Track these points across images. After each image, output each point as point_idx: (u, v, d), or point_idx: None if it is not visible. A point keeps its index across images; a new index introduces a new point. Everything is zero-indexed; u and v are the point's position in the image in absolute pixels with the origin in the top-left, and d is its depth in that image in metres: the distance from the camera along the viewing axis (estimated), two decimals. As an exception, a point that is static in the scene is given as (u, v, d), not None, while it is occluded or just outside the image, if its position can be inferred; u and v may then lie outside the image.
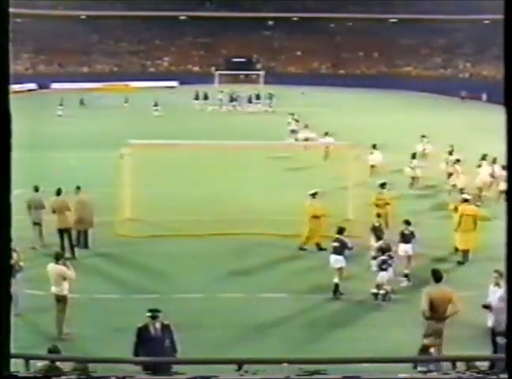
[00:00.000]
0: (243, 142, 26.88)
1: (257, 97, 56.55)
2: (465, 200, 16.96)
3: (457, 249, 16.76)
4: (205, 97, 57.15)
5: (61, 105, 49.61)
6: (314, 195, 17.54)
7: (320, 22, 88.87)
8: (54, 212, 16.93)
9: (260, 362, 5.35)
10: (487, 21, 70.88)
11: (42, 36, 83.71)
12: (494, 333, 10.64)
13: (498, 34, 3.08)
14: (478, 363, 5.91)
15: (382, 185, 18.69)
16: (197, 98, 57.07)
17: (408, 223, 15.10)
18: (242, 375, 4.81)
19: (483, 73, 72.32)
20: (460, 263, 16.29)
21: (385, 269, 13.63)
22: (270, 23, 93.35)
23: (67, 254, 15.65)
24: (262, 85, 77.18)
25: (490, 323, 10.82)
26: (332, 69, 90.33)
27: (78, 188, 17.72)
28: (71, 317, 12.20)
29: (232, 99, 56.34)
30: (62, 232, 16.78)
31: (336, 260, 14.14)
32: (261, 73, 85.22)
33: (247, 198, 22.26)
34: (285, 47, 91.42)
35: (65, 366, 6.63)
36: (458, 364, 5.90)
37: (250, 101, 55.76)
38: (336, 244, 14.21)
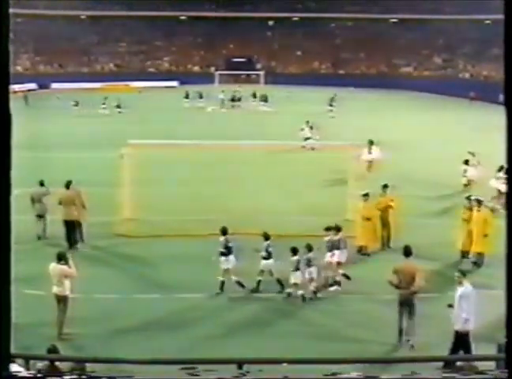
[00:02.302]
0: (243, 142, 26.88)
1: (265, 98, 56.53)
2: (480, 204, 16.53)
3: (463, 253, 16.50)
4: (200, 96, 58.03)
5: (104, 104, 49.84)
6: (365, 196, 17.32)
7: (320, 22, 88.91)
8: (60, 203, 17.37)
9: (260, 362, 5.36)
10: (487, 21, 70.91)
11: (42, 36, 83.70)
12: (457, 333, 10.75)
13: (499, 34, 3.08)
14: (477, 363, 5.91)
15: (385, 187, 18.30)
16: (187, 96, 57.97)
17: (338, 229, 14.89)
18: (243, 375, 4.81)
19: (483, 73, 72.31)
20: (476, 264, 16.06)
21: (298, 269, 13.82)
22: (270, 23, 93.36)
23: (74, 245, 17.01)
24: (262, 85, 77.27)
25: (452, 320, 10.94)
26: (332, 69, 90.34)
27: (70, 182, 18.09)
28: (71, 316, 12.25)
29: (234, 99, 56.72)
30: (67, 224, 17.26)
31: (227, 261, 14.13)
32: (261, 73, 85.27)
33: (247, 198, 22.27)
34: (285, 47, 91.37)
35: (65, 366, 6.63)
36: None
37: (265, 100, 55.82)
38: (230, 244, 14.21)
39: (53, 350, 8.34)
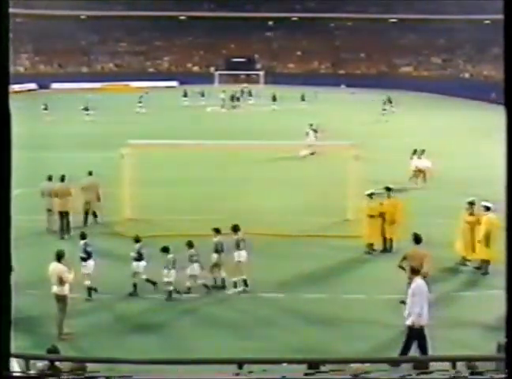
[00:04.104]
0: (244, 142, 26.86)
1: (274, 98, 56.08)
2: (488, 209, 15.72)
3: (464, 259, 16.18)
4: (202, 94, 59.04)
5: (140, 102, 49.81)
6: (370, 195, 17.47)
7: (320, 22, 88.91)
8: (56, 195, 18.27)
9: (260, 362, 5.36)
10: (487, 21, 70.92)
11: (42, 36, 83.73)
12: (411, 329, 10.91)
13: (499, 34, 3.08)
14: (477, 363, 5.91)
15: (388, 190, 17.99)
16: (185, 95, 58.81)
17: (236, 229, 14.74)
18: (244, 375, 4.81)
19: (483, 73, 72.31)
20: (483, 273, 15.64)
21: (167, 268, 13.93)
22: (270, 23, 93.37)
23: (65, 236, 17.94)
24: (262, 85, 77.23)
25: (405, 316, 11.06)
26: (332, 69, 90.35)
27: (90, 173, 19.77)
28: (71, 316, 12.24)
29: (234, 99, 57.00)
30: (62, 214, 18.16)
31: (86, 266, 14.00)
32: (261, 73, 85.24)
33: (248, 197, 22.26)
34: (285, 47, 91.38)
35: (65, 366, 6.63)
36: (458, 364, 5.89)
37: (274, 99, 55.43)
38: (89, 249, 14.12)
39: (53, 350, 8.34)
